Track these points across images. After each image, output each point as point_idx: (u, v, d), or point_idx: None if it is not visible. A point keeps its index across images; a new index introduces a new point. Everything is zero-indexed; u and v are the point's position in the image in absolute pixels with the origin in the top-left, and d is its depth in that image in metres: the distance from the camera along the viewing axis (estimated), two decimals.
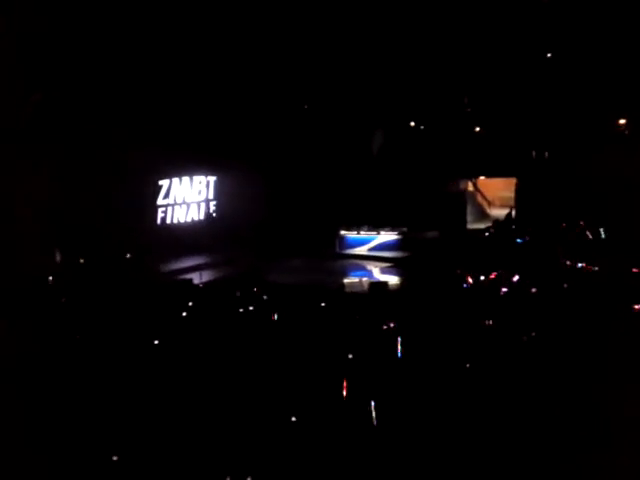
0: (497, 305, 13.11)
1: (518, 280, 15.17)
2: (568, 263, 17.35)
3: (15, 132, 18.58)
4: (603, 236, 21.25)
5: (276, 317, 12.06)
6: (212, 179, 25.61)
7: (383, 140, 27.07)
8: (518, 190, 26.62)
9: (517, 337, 10.64)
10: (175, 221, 24.50)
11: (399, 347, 9.96)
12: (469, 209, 27.47)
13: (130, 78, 21.53)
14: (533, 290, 13.98)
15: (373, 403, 7.89)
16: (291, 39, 23.73)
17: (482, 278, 15.77)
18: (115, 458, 6.94)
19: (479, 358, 9.55)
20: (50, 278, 16.38)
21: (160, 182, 23.78)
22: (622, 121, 24.22)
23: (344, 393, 8.45)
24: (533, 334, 10.66)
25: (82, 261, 19.35)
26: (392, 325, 11.37)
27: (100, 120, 20.94)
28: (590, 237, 21.31)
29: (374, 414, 7.81)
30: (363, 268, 22.89)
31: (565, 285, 14.21)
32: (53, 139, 19.52)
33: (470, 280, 15.60)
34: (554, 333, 10.67)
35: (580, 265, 17.00)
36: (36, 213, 18.42)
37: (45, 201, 18.77)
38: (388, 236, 24.70)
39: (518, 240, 21.53)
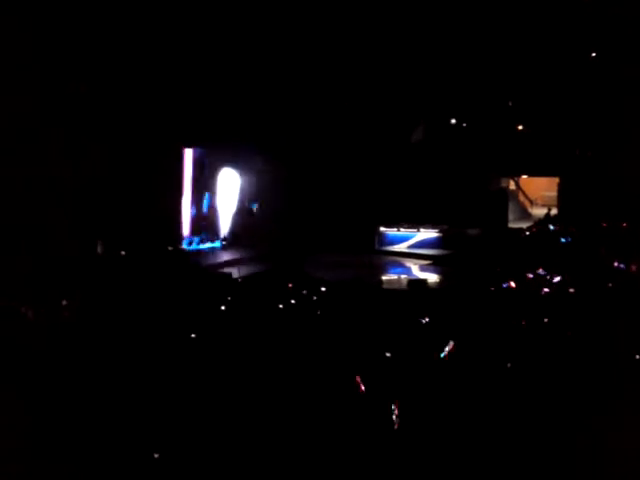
0: (538, 305, 12.97)
1: (560, 280, 14.98)
2: (611, 263, 17.09)
3: (59, 120, 18.80)
4: None
5: (315, 313, 12.08)
6: (250, 174, 25.73)
7: (424, 135, 26.92)
8: (561, 189, 26.32)
9: (557, 338, 10.52)
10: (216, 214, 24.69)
11: (443, 347, 9.90)
12: (511, 208, 27.22)
13: (176, 73, 21.73)
14: (572, 290, 13.81)
15: (397, 404, 7.84)
16: (329, 33, 23.68)
17: (523, 278, 15.61)
18: (155, 455, 6.97)
19: (519, 358, 9.45)
20: (90, 269, 16.60)
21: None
22: None
23: (377, 391, 8.42)
24: (571, 334, 10.53)
25: (123, 253, 19.58)
26: (431, 323, 11.31)
27: (142, 113, 21.20)
28: (633, 237, 20.95)
29: (396, 414, 7.77)
30: (402, 265, 22.80)
31: (609, 285, 14.01)
32: (100, 128, 19.81)
33: (511, 280, 15.45)
34: (594, 333, 10.51)
35: (623, 266, 16.74)
36: (77, 203, 18.71)
37: (87, 192, 19.08)
38: (428, 233, 24.58)
39: (562, 240, 21.26)
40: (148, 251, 19.53)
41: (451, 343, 9.87)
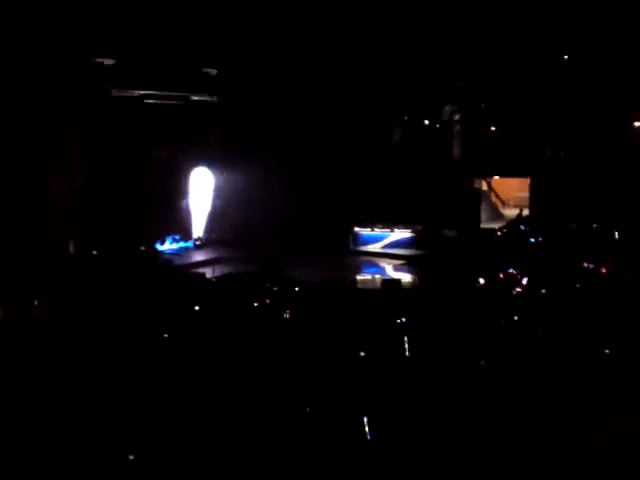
0: (509, 304, 13.08)
1: (530, 280, 15.12)
2: (581, 264, 17.27)
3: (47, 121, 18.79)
4: (617, 237, 21.13)
5: (289, 312, 12.08)
6: (226, 174, 25.65)
7: (401, 137, 27.02)
8: (532, 190, 26.53)
9: (527, 336, 10.62)
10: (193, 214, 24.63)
11: (408, 344, 9.96)
12: (483, 208, 27.35)
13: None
14: (543, 291, 13.93)
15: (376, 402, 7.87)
16: (308, 36, 23.75)
17: (494, 277, 15.74)
18: (130, 455, 6.94)
19: (490, 356, 9.53)
20: (63, 270, 16.48)
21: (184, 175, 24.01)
22: (638, 124, 24.09)
23: (353, 389, 8.45)
24: (542, 333, 10.64)
25: (95, 253, 19.45)
26: (404, 322, 11.37)
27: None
28: (603, 238, 21.20)
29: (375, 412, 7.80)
30: (376, 265, 22.87)
31: (577, 285, 14.16)
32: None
33: (482, 280, 15.57)
34: (564, 332, 10.64)
35: (592, 266, 16.92)
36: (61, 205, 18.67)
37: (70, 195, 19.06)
38: (402, 234, 24.65)
39: (531, 240, 21.45)
40: (120, 251, 19.42)
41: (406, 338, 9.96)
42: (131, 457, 6.94)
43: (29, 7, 18.08)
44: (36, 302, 12.66)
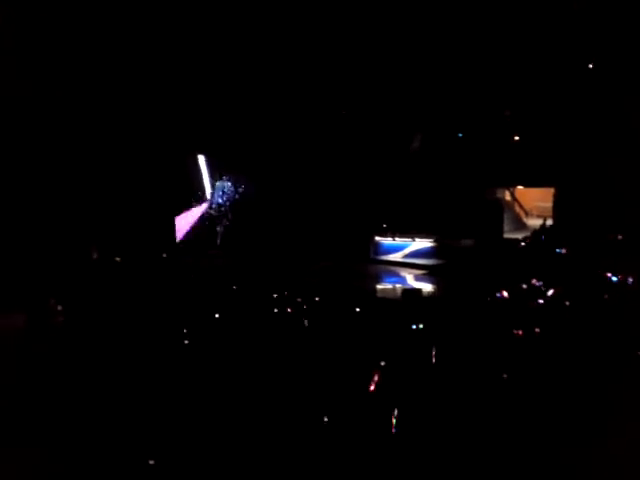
0: (532, 316, 12.93)
1: (554, 291, 14.95)
2: (606, 275, 17.06)
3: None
4: None
5: (309, 321, 12.04)
6: (245, 181, 25.70)
7: (421, 145, 26.95)
8: (556, 200, 26.32)
9: (552, 349, 10.49)
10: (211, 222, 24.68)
11: (431, 355, 9.87)
12: (506, 218, 27.21)
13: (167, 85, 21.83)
14: (567, 303, 13.77)
15: (396, 411, 7.82)
16: (325, 38, 23.75)
17: (517, 288, 15.58)
18: (149, 460, 6.93)
19: (511, 368, 9.42)
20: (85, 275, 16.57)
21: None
22: None
23: (373, 398, 8.39)
24: (567, 346, 10.50)
25: (118, 259, 19.54)
26: (424, 332, 11.28)
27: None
28: (628, 249, 20.94)
29: (395, 421, 7.74)
30: (397, 275, 22.78)
31: (605, 297, 13.99)
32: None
33: (504, 291, 15.42)
34: (589, 345, 10.49)
35: (618, 277, 16.71)
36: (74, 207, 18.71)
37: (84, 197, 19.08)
38: (423, 243, 24.57)
39: (557, 250, 21.23)
40: (143, 258, 19.52)
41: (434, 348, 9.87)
42: (151, 462, 6.94)
43: None
44: (59, 308, 12.70)
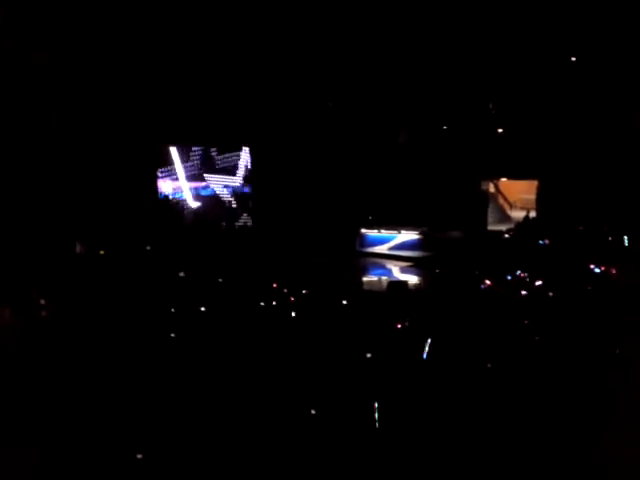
0: (517, 307, 13.02)
1: (538, 282, 15.05)
2: (589, 266, 17.19)
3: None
4: (626, 242, 21.02)
5: (295, 314, 12.05)
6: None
7: (409, 137, 26.97)
8: (540, 192, 26.45)
9: (536, 339, 10.56)
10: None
11: (423, 348, 9.91)
12: (490, 211, 27.31)
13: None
14: (550, 294, 13.87)
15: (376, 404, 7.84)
16: (312, 34, 23.73)
17: (501, 280, 15.67)
18: (138, 455, 6.93)
19: (496, 359, 9.48)
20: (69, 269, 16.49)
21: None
22: None
23: (359, 391, 8.41)
24: (550, 336, 10.58)
25: (102, 252, 19.45)
26: (410, 324, 11.32)
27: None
28: (612, 241, 21.11)
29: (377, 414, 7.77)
30: (383, 267, 22.81)
31: (588, 288, 14.10)
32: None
33: (488, 282, 15.50)
34: (571, 336, 10.57)
35: (601, 269, 16.84)
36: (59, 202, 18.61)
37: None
38: (409, 235, 24.61)
39: (540, 242, 21.36)
40: (128, 251, 19.42)
41: (429, 341, 9.90)
42: (139, 456, 6.94)
43: None
44: (42, 302, 12.65)
